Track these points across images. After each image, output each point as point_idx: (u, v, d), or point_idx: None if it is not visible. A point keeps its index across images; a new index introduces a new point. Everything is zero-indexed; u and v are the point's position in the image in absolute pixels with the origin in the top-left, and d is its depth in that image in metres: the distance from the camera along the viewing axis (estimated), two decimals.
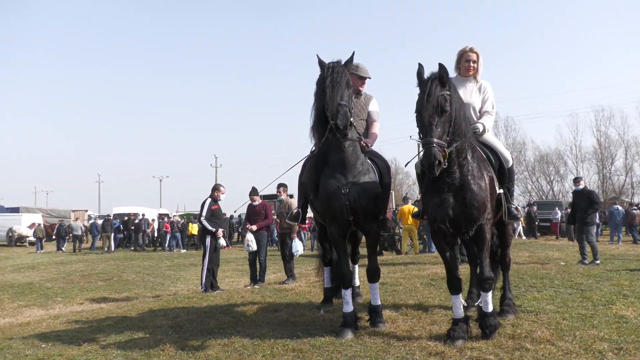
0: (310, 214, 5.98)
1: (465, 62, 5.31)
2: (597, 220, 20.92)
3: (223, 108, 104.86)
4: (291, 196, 11.56)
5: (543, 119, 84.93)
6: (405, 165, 5.61)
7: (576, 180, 12.03)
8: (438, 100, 4.19)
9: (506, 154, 5.24)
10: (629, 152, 48.88)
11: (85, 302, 10.33)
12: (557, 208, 26.93)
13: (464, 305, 4.89)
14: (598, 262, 10.71)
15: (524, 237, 23.60)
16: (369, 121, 5.74)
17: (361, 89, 5.75)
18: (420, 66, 4.39)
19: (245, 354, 4.37)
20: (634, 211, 21.76)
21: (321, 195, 5.07)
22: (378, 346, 4.47)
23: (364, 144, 5.31)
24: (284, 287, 8.90)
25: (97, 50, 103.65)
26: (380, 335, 4.83)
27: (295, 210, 5.59)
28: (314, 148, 5.50)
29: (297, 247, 9.94)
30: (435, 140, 4.10)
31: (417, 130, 4.35)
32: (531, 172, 53.87)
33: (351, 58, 5.01)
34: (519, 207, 5.29)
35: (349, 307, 5.03)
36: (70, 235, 28.42)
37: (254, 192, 10.68)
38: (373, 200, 5.06)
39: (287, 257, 10.30)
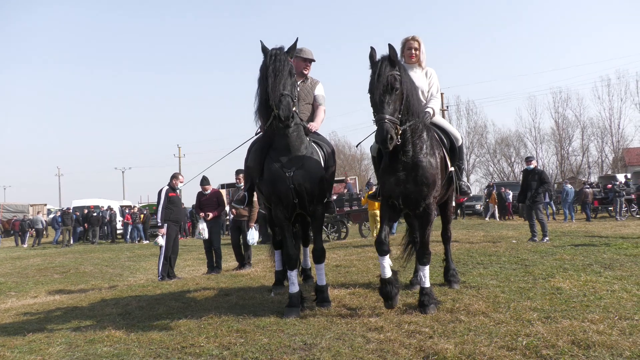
0: None
1: (408, 50, 5.53)
2: (547, 199, 21.66)
3: (185, 97, 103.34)
4: None
5: (503, 102, 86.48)
6: (357, 146, 5.88)
7: (528, 160, 12.38)
8: (388, 80, 4.37)
9: (456, 133, 5.51)
10: (585, 133, 50.44)
11: (39, 295, 10.17)
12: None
13: (393, 271, 5.08)
14: (547, 239, 11.10)
15: (498, 220, 23.98)
16: (314, 105, 5.82)
17: (306, 72, 5.82)
18: (372, 49, 4.55)
19: (190, 336, 4.42)
20: (586, 189, 22.53)
21: (266, 178, 5.15)
22: (321, 324, 4.59)
23: (309, 128, 5.40)
24: (239, 272, 8.97)
25: (55, 40, 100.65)
26: (325, 314, 4.95)
27: (242, 194, 5.65)
28: (259, 130, 5.55)
29: (253, 235, 9.96)
30: (387, 116, 4.27)
31: (371, 110, 4.51)
32: (492, 154, 55.07)
33: (294, 44, 5.05)
34: (469, 184, 5.51)
35: (294, 288, 5.13)
36: (32, 229, 27.86)
37: (205, 181, 10.69)
38: (317, 183, 5.16)
39: (244, 246, 10.32)
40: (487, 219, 24.18)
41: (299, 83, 5.54)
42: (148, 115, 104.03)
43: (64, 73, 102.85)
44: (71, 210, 27.63)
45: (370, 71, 4.52)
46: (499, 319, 4.35)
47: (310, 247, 6.17)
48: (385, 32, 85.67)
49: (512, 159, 53.79)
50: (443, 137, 5.32)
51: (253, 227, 10.03)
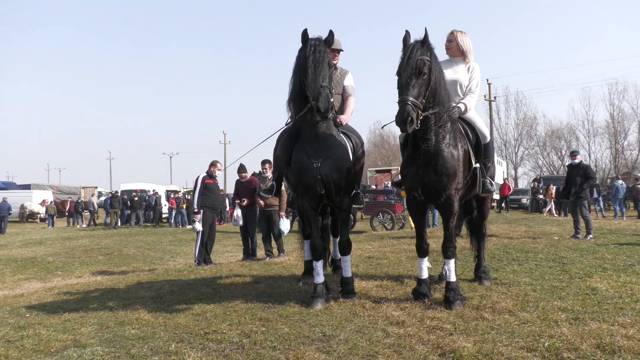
0: None
1: (449, 42, 5.51)
2: (595, 195, 20.81)
3: (232, 84, 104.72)
4: None
5: (555, 93, 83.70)
6: (382, 127, 5.90)
7: (573, 154, 11.97)
8: (417, 63, 4.35)
9: (484, 130, 5.41)
10: None
11: (83, 275, 10.60)
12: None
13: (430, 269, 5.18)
14: (591, 236, 10.73)
15: (555, 215, 23.13)
16: (344, 96, 5.79)
17: (335, 61, 5.79)
18: (407, 33, 4.53)
19: (214, 322, 4.52)
20: (639, 186, 21.56)
21: (293, 168, 5.19)
22: (343, 315, 4.60)
23: (339, 121, 5.38)
24: (273, 260, 9.08)
25: (108, 26, 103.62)
26: (348, 306, 4.96)
27: (270, 183, 5.70)
28: (289, 120, 5.57)
29: (285, 225, 9.98)
30: (410, 99, 4.25)
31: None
32: (542, 147, 53.48)
33: (331, 35, 5.04)
34: (492, 182, 5.39)
35: (319, 278, 5.16)
36: (86, 211, 29.37)
37: (242, 169, 10.83)
38: (345, 175, 5.16)
39: (276, 235, 10.36)
40: (544, 214, 23.31)
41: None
42: (197, 101, 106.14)
43: (117, 58, 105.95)
44: (119, 194, 28.55)
45: (401, 53, 4.49)
46: (524, 319, 4.25)
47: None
48: (433, 17, 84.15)
49: (563, 152, 52.07)
50: (469, 131, 5.22)
51: (284, 217, 10.07)
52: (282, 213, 10.14)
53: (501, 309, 4.56)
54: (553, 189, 23.90)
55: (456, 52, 5.46)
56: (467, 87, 5.39)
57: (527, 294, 5.18)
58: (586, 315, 4.29)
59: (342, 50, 5.84)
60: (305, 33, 4.91)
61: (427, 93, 4.42)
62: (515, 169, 53.62)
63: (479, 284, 5.77)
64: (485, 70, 77.46)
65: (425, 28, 4.45)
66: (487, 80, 41.81)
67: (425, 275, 5.15)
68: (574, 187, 11.34)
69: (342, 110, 5.70)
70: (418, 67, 4.34)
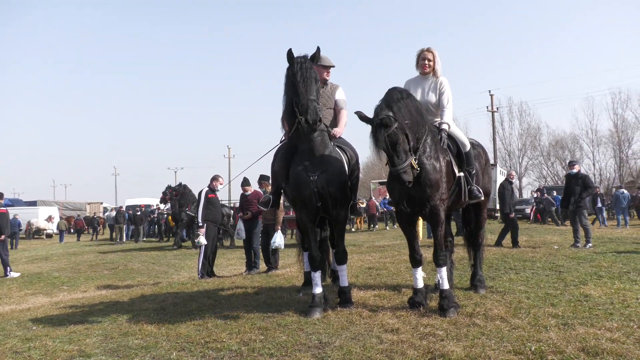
0: None
1: (422, 60, 5.63)
2: (600, 204, 20.85)
3: (236, 99, 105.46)
4: None
5: (558, 103, 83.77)
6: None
7: (571, 164, 12.10)
8: (391, 138, 4.48)
9: (464, 139, 5.59)
10: None
11: (89, 289, 10.76)
12: (554, 193, 26.98)
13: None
14: (590, 245, 10.82)
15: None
16: (336, 110, 5.97)
17: (327, 77, 5.98)
18: (358, 114, 4.71)
19: (215, 332, 4.67)
20: None
21: (291, 183, 5.37)
22: (340, 324, 4.74)
23: (333, 134, 5.58)
24: (274, 273, 9.22)
25: (113, 42, 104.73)
26: (346, 314, 5.09)
27: (266, 197, 5.86)
28: (283, 137, 5.76)
29: (277, 240, 9.85)
30: (403, 165, 4.49)
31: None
32: (546, 157, 53.41)
33: (317, 53, 5.25)
34: (480, 189, 5.54)
35: (317, 289, 5.31)
36: (100, 226, 29.99)
37: (245, 182, 11.02)
38: (341, 188, 5.34)
39: (271, 250, 10.30)
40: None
41: (320, 90, 5.69)
42: (200, 116, 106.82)
43: (121, 77, 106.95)
44: (124, 209, 28.79)
45: (369, 131, 4.64)
46: (515, 325, 4.38)
47: None
48: (434, 34, 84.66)
49: (567, 162, 51.97)
50: (450, 143, 5.39)
51: (278, 231, 10.03)
52: (277, 227, 10.08)
53: (493, 316, 4.70)
54: None
55: (431, 71, 5.63)
56: (439, 104, 5.56)
57: (521, 301, 5.31)
58: (575, 321, 4.42)
59: (333, 67, 6.01)
60: (290, 53, 5.12)
61: (411, 144, 4.63)
62: (520, 179, 53.55)
63: (475, 293, 5.90)
64: (488, 81, 77.91)
65: (390, 90, 4.74)
66: (490, 91, 42.05)
67: (420, 284, 5.30)
68: (573, 197, 11.46)
69: (335, 124, 5.87)
70: (392, 142, 4.49)
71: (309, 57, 5.15)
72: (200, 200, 10.39)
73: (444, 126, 5.36)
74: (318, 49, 5.24)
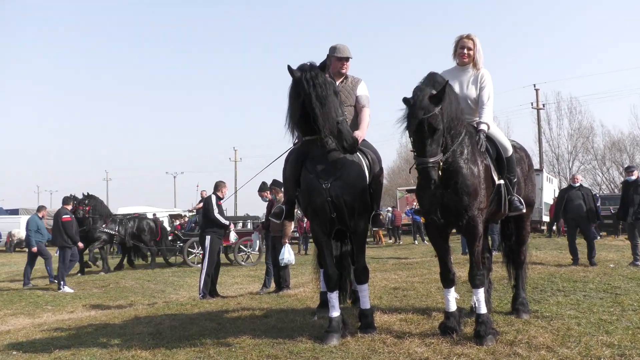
0: None
1: (461, 49, 5.61)
2: None
3: (242, 97, 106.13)
4: None
5: (615, 99, 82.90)
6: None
7: (628, 170, 11.97)
8: (429, 122, 4.48)
9: (505, 142, 5.57)
10: None
11: (76, 310, 10.88)
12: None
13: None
14: None
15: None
16: (357, 107, 5.97)
17: (343, 70, 5.96)
18: (405, 100, 4.69)
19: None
20: None
21: (302, 190, 5.40)
22: (360, 352, 4.75)
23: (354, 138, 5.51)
24: (286, 293, 9.25)
25: (102, 41, 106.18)
26: (367, 341, 5.10)
27: (279, 207, 5.89)
28: (296, 140, 5.77)
29: (285, 255, 9.78)
30: (430, 160, 4.48)
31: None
32: (601, 161, 52.80)
33: (325, 61, 5.20)
34: (521, 200, 5.50)
35: (335, 311, 5.31)
36: None
37: (264, 187, 11.07)
38: (359, 195, 5.32)
39: (280, 265, 10.20)
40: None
41: (337, 83, 5.71)
42: (203, 115, 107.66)
43: (114, 71, 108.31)
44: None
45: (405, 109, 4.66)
46: (563, 355, 4.36)
47: None
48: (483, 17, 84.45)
49: (624, 167, 51.36)
50: (489, 145, 5.37)
51: (287, 245, 9.98)
52: (285, 240, 10.05)
53: (538, 345, 4.66)
54: None
55: (471, 61, 5.62)
56: (479, 100, 5.56)
57: (570, 328, 5.27)
58: (634, 352, 4.38)
59: (351, 58, 5.98)
60: (290, 70, 4.99)
61: (444, 140, 4.63)
62: None
63: (517, 317, 5.86)
64: (533, 74, 77.27)
65: (430, 73, 4.76)
66: (535, 85, 41.80)
67: (452, 307, 5.27)
68: (632, 207, 11.33)
69: (356, 124, 5.87)
70: (430, 127, 4.49)
71: (318, 68, 5.02)
72: (212, 206, 10.56)
73: (483, 126, 5.35)
74: (331, 48, 5.25)
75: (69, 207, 14.62)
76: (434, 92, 4.56)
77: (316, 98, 4.83)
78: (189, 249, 18.60)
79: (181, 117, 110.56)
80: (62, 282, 13.46)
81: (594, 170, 53.24)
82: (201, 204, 15.28)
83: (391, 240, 28.29)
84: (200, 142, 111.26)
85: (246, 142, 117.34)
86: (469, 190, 4.85)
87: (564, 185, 51.54)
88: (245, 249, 18.68)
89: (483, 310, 5.03)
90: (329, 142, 5.03)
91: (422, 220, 18.02)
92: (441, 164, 4.59)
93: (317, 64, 5.07)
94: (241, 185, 14.81)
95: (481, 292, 5.09)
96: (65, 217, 13.99)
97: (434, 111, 4.48)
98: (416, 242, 25.75)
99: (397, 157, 63.24)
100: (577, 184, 12.59)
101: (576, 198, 12.15)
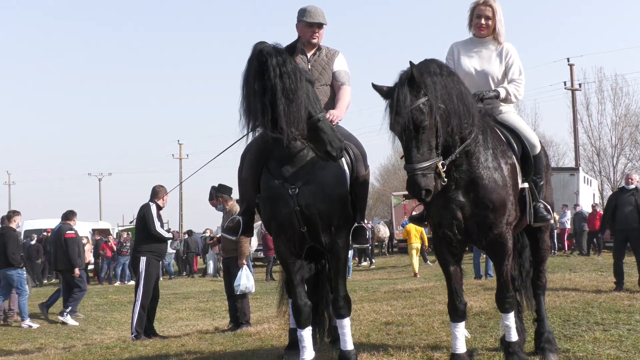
0: None
1: (477, 18, 5.67)
2: None
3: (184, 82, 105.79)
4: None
5: None
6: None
7: None
8: (412, 118, 4.44)
9: (533, 137, 5.63)
10: None
11: None
12: None
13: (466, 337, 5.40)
14: None
15: None
16: (335, 85, 6.02)
17: (315, 40, 5.94)
18: (374, 86, 4.75)
19: None
20: None
21: (263, 198, 5.41)
22: None
23: (329, 119, 5.38)
24: (246, 330, 9.25)
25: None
26: None
27: (233, 219, 5.86)
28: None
29: (242, 280, 9.79)
30: (416, 167, 4.42)
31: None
32: None
33: (296, 43, 5.00)
34: (548, 207, 5.58)
35: (307, 354, 5.35)
36: None
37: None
38: (337, 204, 5.32)
39: (236, 294, 10.14)
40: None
41: (309, 56, 5.73)
42: (139, 100, 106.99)
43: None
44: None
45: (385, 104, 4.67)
46: None
47: None
48: None
49: None
50: (513, 140, 5.44)
51: (244, 267, 9.98)
52: (242, 262, 10.03)
53: None
54: None
55: (490, 32, 5.69)
56: (505, 77, 5.65)
57: None
58: None
59: (325, 24, 5.97)
60: (258, 49, 4.81)
61: (438, 140, 4.58)
62: (614, 190, 53.79)
63: (542, 359, 5.91)
64: (566, 46, 77.95)
65: (410, 62, 4.54)
66: (569, 60, 42.03)
67: (461, 348, 5.26)
68: None
69: (332, 105, 5.90)
70: (414, 123, 4.44)
71: (285, 52, 4.81)
72: (152, 218, 10.46)
73: (501, 90, 5.41)
74: (298, 38, 5.34)
75: None
76: (416, 77, 4.47)
77: (281, 90, 4.65)
78: None
79: (109, 102, 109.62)
80: None
81: None
82: None
83: (365, 263, 28.81)
84: (135, 134, 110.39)
85: (194, 134, 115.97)
86: (494, 205, 4.88)
87: (606, 188, 52.30)
88: None
89: (515, 337, 5.15)
90: (297, 146, 5.04)
91: (423, 234, 18.37)
92: (442, 169, 4.55)
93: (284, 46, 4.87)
94: (174, 186, 14.58)
95: (511, 316, 5.20)
96: None
97: (418, 102, 4.45)
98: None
99: (393, 153, 63.50)
100: (632, 186, 12.56)
101: (627, 204, 12.18)
